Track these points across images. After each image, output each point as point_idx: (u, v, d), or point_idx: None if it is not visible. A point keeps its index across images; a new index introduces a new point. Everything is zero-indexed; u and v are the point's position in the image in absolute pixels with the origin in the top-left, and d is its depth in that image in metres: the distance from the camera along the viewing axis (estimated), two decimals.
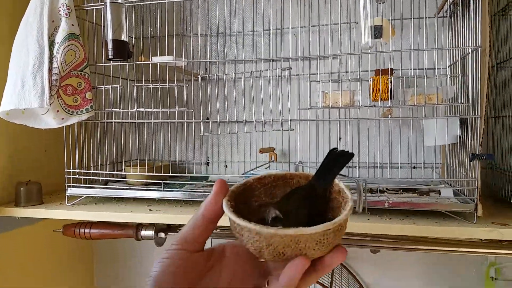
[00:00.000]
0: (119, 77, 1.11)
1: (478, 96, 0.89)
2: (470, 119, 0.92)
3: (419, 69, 1.02)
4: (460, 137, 1.00)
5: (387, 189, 1.08)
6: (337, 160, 0.48)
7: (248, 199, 0.48)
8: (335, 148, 0.49)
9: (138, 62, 1.08)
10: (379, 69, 1.05)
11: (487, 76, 0.88)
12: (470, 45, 0.91)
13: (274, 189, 0.49)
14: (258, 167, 1.15)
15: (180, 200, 1.12)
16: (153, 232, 1.14)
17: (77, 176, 1.13)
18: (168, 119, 1.16)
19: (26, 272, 1.24)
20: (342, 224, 0.40)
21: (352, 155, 0.49)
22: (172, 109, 1.05)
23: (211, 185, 1.16)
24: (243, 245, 0.41)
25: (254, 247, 0.39)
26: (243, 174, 1.05)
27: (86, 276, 1.56)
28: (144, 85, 1.07)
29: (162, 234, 1.15)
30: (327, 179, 0.47)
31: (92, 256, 1.58)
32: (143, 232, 1.14)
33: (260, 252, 0.39)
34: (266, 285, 0.43)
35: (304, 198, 0.45)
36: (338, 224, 0.38)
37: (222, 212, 0.43)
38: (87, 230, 1.15)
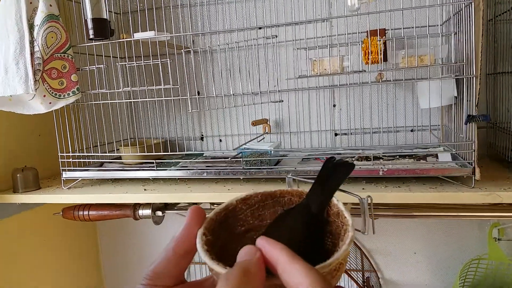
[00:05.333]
0: (102, 55, 1.08)
1: (473, 54, 0.85)
2: (465, 79, 0.88)
3: (410, 28, 0.97)
4: (456, 98, 0.96)
5: (383, 155, 1.05)
6: (334, 172, 0.40)
7: (232, 224, 0.41)
8: (332, 157, 0.42)
9: (119, 40, 1.05)
10: (372, 30, 1.01)
11: (482, 32, 0.83)
12: None
13: (263, 210, 0.43)
14: (251, 140, 1.13)
15: (175, 178, 1.11)
16: (150, 211, 1.13)
17: (71, 159, 1.13)
18: (161, 97, 1.14)
19: (32, 255, 1.26)
20: (340, 262, 0.33)
21: (352, 166, 0.41)
22: (157, 87, 1.02)
23: (205, 161, 1.15)
24: None
25: None
26: (234, 149, 1.03)
27: (92, 254, 1.59)
28: (127, 63, 1.04)
29: (159, 213, 1.15)
30: (323, 197, 0.39)
31: (96, 235, 1.60)
32: (141, 212, 1.14)
33: None
34: None
35: (297, 223, 0.38)
36: (335, 264, 0.32)
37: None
38: (85, 212, 1.16)
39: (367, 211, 0.42)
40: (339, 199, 0.39)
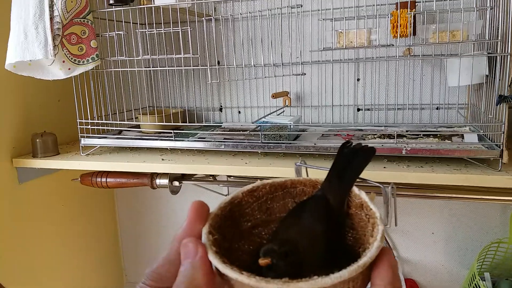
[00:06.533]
0: (122, 22, 1.06)
1: (509, 31, 0.80)
2: (499, 57, 0.83)
3: (442, 0, 0.92)
4: (487, 77, 0.91)
5: (407, 133, 1.02)
6: (353, 159, 0.36)
7: (237, 220, 0.37)
8: (348, 142, 0.38)
9: (140, 6, 1.03)
10: (402, 2, 0.96)
11: None
12: None
13: (271, 202, 0.39)
14: (271, 113, 1.11)
15: (193, 148, 1.10)
16: (168, 180, 1.13)
17: (90, 126, 1.13)
18: (181, 65, 1.12)
19: (50, 220, 1.28)
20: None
21: (373, 151, 0.37)
22: (177, 56, 1.00)
23: (223, 133, 1.13)
24: None
25: None
26: (253, 122, 1.01)
27: (109, 220, 1.61)
28: (147, 31, 1.02)
29: (176, 183, 1.15)
30: (342, 188, 0.35)
31: (114, 202, 1.62)
32: (158, 181, 1.14)
33: None
34: None
35: (316, 218, 0.34)
36: (368, 264, 0.29)
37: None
38: (103, 179, 1.17)
39: (390, 202, 0.39)
40: (361, 189, 0.36)
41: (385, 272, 0.30)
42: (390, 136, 0.99)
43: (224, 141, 1.02)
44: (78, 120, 1.12)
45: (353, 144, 0.38)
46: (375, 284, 0.30)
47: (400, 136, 1.00)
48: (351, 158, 0.36)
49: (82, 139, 1.13)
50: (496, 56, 0.85)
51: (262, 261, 0.30)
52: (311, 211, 0.35)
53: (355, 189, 0.36)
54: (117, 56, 1.06)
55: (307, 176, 0.41)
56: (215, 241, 0.32)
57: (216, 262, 0.30)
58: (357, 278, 0.28)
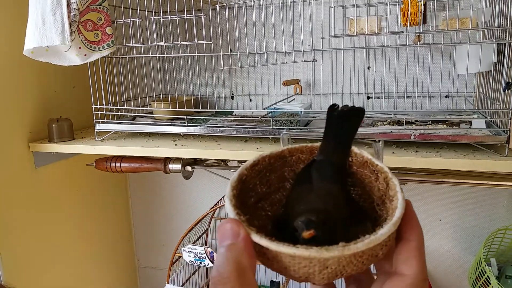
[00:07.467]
0: (137, 9, 1.08)
1: None
2: (508, 44, 0.85)
3: None
4: (496, 64, 0.93)
5: (415, 120, 1.04)
6: (345, 121, 0.37)
7: (244, 197, 0.36)
8: (335, 105, 0.37)
9: None
10: None
11: None
12: None
13: (270, 174, 0.38)
14: (282, 100, 1.13)
15: (205, 134, 1.13)
16: (180, 165, 1.16)
17: (104, 112, 1.15)
18: (193, 53, 1.14)
19: (65, 203, 1.32)
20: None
21: (362, 110, 0.37)
22: (190, 42, 1.02)
23: (235, 120, 1.16)
24: (275, 271, 0.30)
25: (299, 274, 0.29)
26: (264, 108, 1.03)
27: (122, 205, 1.65)
28: (162, 18, 1.04)
29: (189, 168, 1.17)
30: (341, 149, 0.36)
31: (127, 187, 1.66)
32: (171, 166, 1.17)
33: (308, 278, 0.29)
34: None
35: (329, 181, 0.34)
36: (400, 221, 0.30)
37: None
38: (117, 164, 1.19)
39: (381, 156, 0.39)
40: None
41: (413, 228, 0.31)
42: (399, 123, 1.00)
43: (236, 127, 1.04)
44: (93, 106, 1.15)
45: (340, 106, 0.38)
46: (406, 239, 0.31)
47: (408, 123, 1.01)
48: (341, 120, 0.37)
49: (97, 124, 1.16)
50: (505, 44, 0.86)
51: (307, 234, 0.29)
52: (321, 175, 0.35)
53: (354, 149, 0.37)
54: (132, 43, 1.08)
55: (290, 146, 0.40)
56: (249, 222, 0.30)
57: (265, 242, 0.28)
58: (394, 233, 0.29)
